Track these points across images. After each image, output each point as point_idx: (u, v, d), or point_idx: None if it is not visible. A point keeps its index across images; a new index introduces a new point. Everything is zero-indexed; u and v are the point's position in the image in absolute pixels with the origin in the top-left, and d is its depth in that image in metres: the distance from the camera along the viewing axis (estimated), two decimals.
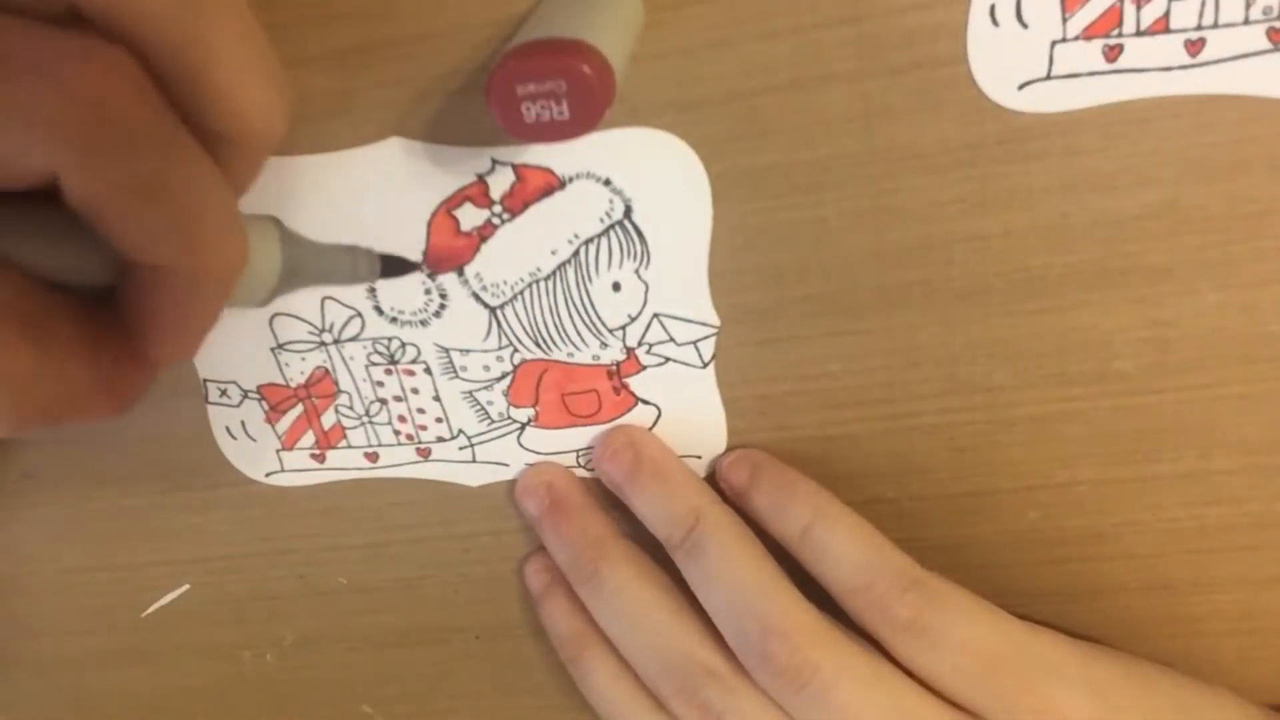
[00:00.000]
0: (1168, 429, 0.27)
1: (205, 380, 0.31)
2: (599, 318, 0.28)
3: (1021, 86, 0.23)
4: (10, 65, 0.17)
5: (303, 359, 0.30)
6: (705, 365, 0.28)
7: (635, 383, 0.29)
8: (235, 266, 0.21)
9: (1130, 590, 0.30)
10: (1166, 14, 0.22)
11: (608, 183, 0.26)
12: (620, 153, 0.25)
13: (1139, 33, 0.23)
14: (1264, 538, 0.29)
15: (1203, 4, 0.22)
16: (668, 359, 0.28)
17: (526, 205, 0.26)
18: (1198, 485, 0.28)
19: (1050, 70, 0.23)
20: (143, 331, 0.21)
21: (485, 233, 0.27)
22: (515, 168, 0.26)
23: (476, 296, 0.28)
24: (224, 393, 0.31)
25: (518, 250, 0.27)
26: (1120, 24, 0.23)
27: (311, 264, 0.26)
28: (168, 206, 0.19)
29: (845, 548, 0.27)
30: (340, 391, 0.30)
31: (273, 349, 0.30)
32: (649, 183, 0.26)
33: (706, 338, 0.28)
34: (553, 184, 0.26)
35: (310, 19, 0.25)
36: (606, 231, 0.27)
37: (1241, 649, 0.30)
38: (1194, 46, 0.23)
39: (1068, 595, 0.30)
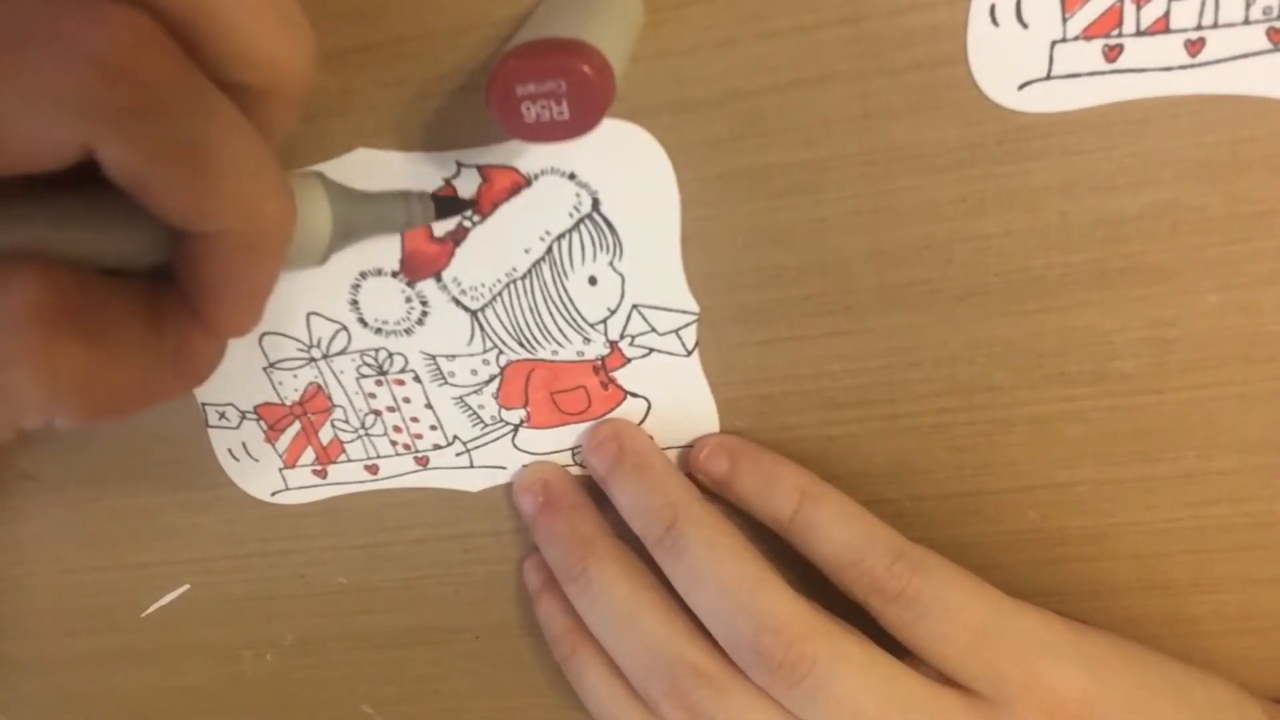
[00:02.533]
0: (1168, 429, 0.27)
1: (204, 404, 0.31)
2: (578, 313, 0.28)
3: (1021, 86, 0.23)
4: (28, 37, 0.16)
5: (295, 376, 0.30)
6: (689, 353, 0.28)
7: (622, 376, 0.29)
8: (286, 222, 0.20)
9: (1130, 590, 0.30)
10: (1166, 14, 0.22)
11: (573, 177, 0.26)
12: (582, 146, 0.25)
13: (1139, 33, 0.23)
14: (1264, 538, 0.29)
15: (1203, 4, 0.22)
16: (651, 350, 0.28)
17: (495, 205, 0.26)
18: (1198, 485, 0.28)
19: (1050, 70, 0.23)
20: (204, 303, 0.20)
21: (458, 236, 0.27)
22: (480, 169, 0.26)
23: (456, 301, 0.28)
24: (222, 415, 0.31)
25: (492, 251, 0.27)
26: (1120, 24, 0.23)
27: (364, 215, 0.25)
28: (209, 167, 0.18)
29: (833, 526, 0.27)
30: (334, 406, 0.30)
31: (264, 368, 0.30)
32: (613, 173, 0.26)
33: (688, 325, 0.28)
34: (519, 182, 0.26)
35: (310, 19, 0.24)
36: (577, 225, 0.27)
37: (1241, 649, 0.30)
38: (1194, 46, 0.23)
39: (1068, 595, 0.30)
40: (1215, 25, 0.22)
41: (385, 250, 0.27)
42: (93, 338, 0.19)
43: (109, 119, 0.17)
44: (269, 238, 0.20)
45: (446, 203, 0.26)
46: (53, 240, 0.19)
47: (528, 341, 0.28)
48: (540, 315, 0.28)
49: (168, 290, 0.21)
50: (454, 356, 0.29)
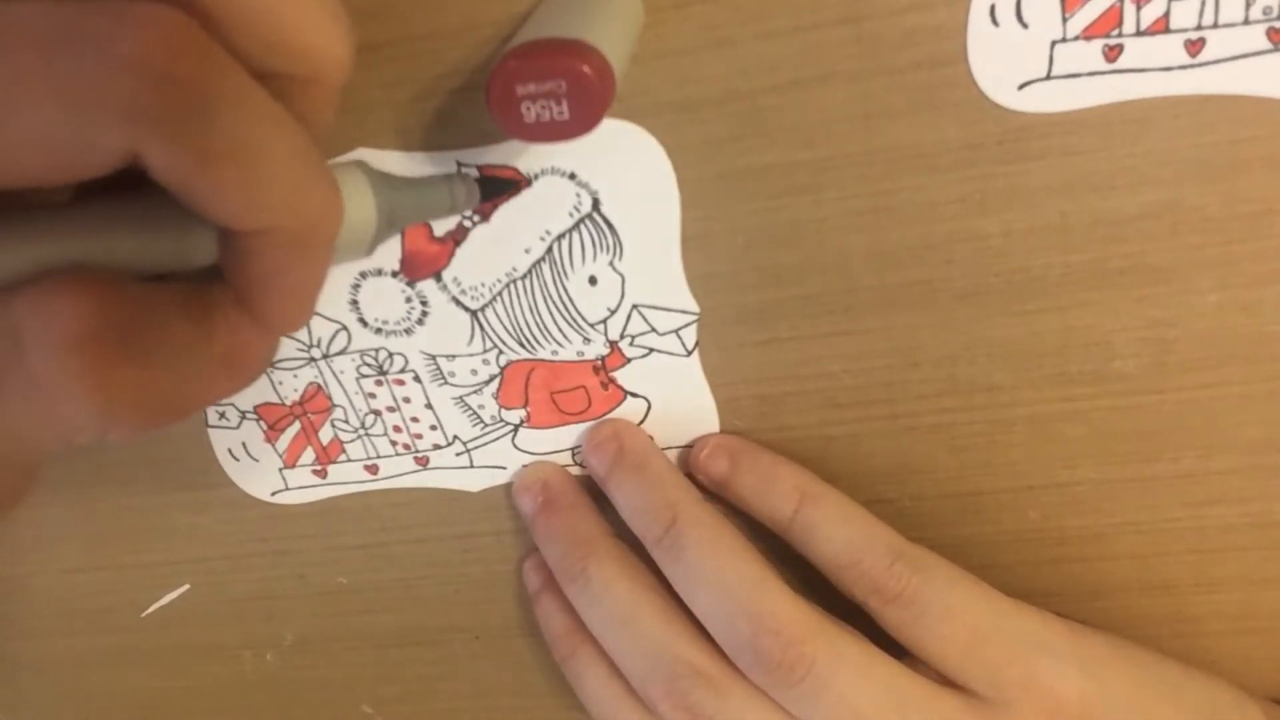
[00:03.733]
0: (1168, 429, 0.27)
1: None
2: (578, 313, 0.28)
3: (1021, 86, 0.23)
4: (64, 43, 0.16)
5: (295, 375, 0.30)
6: (689, 353, 0.28)
7: (622, 376, 0.29)
8: (334, 215, 0.20)
9: (1130, 590, 0.30)
10: (1166, 14, 0.22)
11: (573, 177, 0.26)
12: (583, 146, 0.25)
13: (1139, 33, 0.23)
14: (1264, 538, 0.29)
15: (1203, 4, 0.22)
16: (651, 349, 0.28)
17: (496, 205, 0.26)
18: (1198, 485, 0.28)
19: (1050, 70, 0.23)
20: (255, 301, 0.20)
21: (458, 236, 0.27)
22: (480, 169, 0.26)
23: (456, 301, 0.28)
24: (222, 415, 0.31)
25: (492, 251, 0.27)
26: (1120, 24, 0.23)
27: (409, 202, 0.25)
28: (255, 165, 0.18)
29: (832, 527, 0.27)
30: (334, 406, 0.30)
31: None
32: (614, 173, 0.26)
33: (688, 325, 0.28)
34: (519, 183, 0.26)
35: None
36: (577, 225, 0.27)
37: (1241, 649, 0.30)
38: (1194, 46, 0.23)
39: (1068, 595, 0.30)
40: (1215, 25, 0.22)
41: (385, 250, 0.27)
42: (143, 352, 0.18)
43: (152, 122, 0.16)
44: (318, 231, 0.20)
45: (492, 183, 0.26)
46: (99, 249, 0.19)
47: (528, 341, 0.28)
48: (540, 315, 0.28)
49: (216, 290, 0.20)
50: (454, 356, 0.29)
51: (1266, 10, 0.22)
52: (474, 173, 0.26)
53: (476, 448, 0.31)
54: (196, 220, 0.18)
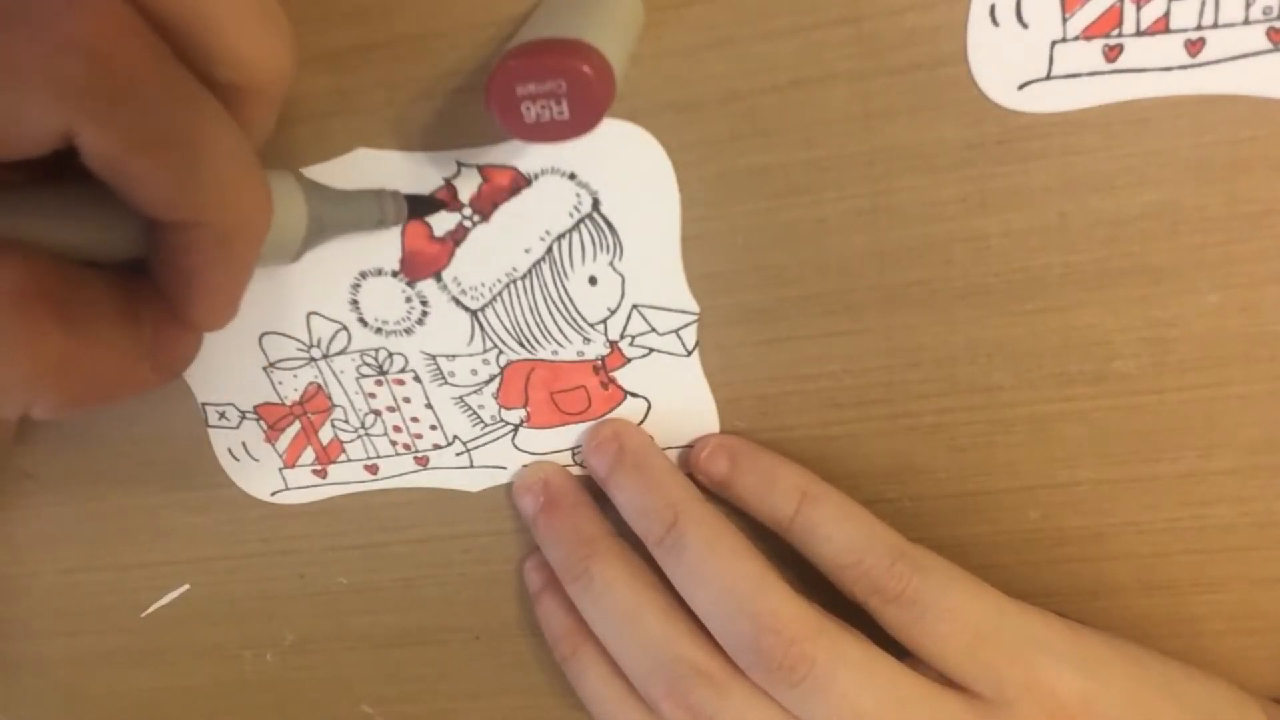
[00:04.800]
0: (1168, 429, 0.27)
1: (204, 404, 0.31)
2: (579, 313, 0.28)
3: (1021, 86, 0.23)
4: (7, 20, 0.16)
5: (295, 375, 0.30)
6: (690, 353, 0.28)
7: (622, 376, 0.29)
8: (262, 217, 0.21)
9: (1130, 590, 0.30)
10: (1166, 14, 0.22)
11: (573, 177, 0.26)
12: (583, 146, 0.25)
13: (1139, 33, 0.23)
14: (1264, 538, 0.29)
15: (1203, 4, 0.22)
16: (651, 350, 0.28)
17: (496, 205, 0.26)
18: (1198, 485, 0.28)
19: (1050, 70, 0.23)
20: (180, 296, 0.21)
21: (458, 236, 0.27)
22: (480, 169, 0.26)
23: (456, 301, 0.28)
24: (222, 415, 0.31)
25: (492, 251, 0.27)
26: (1120, 24, 0.23)
27: (338, 213, 0.25)
28: (187, 157, 0.18)
29: (834, 527, 0.27)
30: (334, 406, 0.30)
31: (265, 368, 0.30)
32: (614, 173, 0.26)
33: (688, 325, 0.28)
34: (519, 182, 0.26)
35: (310, 19, 0.25)
36: (577, 225, 0.27)
37: (1241, 649, 0.30)
38: (1194, 46, 0.23)
39: (1068, 595, 0.30)
40: (1215, 25, 0.22)
41: (385, 250, 0.27)
42: (71, 325, 0.19)
43: (89, 104, 0.17)
44: (245, 231, 0.20)
45: (419, 201, 0.26)
46: (32, 230, 0.19)
47: (528, 341, 0.28)
48: (540, 315, 0.28)
49: (145, 283, 0.21)
50: (454, 356, 0.29)
51: (1266, 10, 0.22)
52: (474, 173, 0.26)
53: (476, 448, 0.31)
54: (125, 211, 0.19)
